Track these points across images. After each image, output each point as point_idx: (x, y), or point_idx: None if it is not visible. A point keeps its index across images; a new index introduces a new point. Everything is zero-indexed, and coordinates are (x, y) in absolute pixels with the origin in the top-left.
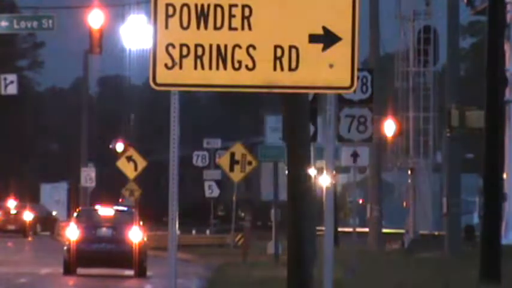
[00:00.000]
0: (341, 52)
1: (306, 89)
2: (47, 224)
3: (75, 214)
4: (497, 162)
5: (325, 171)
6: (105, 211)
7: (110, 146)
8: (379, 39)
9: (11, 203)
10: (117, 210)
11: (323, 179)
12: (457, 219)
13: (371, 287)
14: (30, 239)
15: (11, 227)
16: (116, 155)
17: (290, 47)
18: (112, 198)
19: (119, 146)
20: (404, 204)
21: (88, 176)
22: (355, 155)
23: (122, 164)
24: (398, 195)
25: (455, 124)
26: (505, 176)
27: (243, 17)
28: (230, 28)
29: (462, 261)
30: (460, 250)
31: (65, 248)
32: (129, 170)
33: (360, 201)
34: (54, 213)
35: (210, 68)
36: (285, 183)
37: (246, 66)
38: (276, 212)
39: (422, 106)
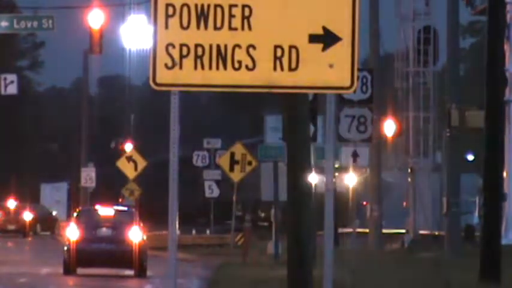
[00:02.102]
0: (341, 52)
1: (306, 89)
2: (47, 224)
3: (75, 214)
4: (497, 162)
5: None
6: (105, 211)
7: (111, 146)
8: (379, 39)
9: (11, 203)
10: (117, 210)
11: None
12: (457, 219)
13: (371, 287)
14: (30, 238)
15: (11, 227)
16: (119, 155)
17: (290, 47)
18: (112, 198)
19: (128, 146)
20: (405, 204)
21: (88, 176)
22: (355, 155)
23: (122, 164)
24: (398, 195)
25: (455, 124)
26: (504, 175)
27: (243, 17)
28: (230, 28)
29: (462, 261)
30: (460, 250)
31: (65, 248)
32: (129, 170)
33: (364, 203)
34: (54, 213)
35: (210, 68)
36: (284, 183)
37: (246, 66)
38: (276, 212)
39: (422, 106)
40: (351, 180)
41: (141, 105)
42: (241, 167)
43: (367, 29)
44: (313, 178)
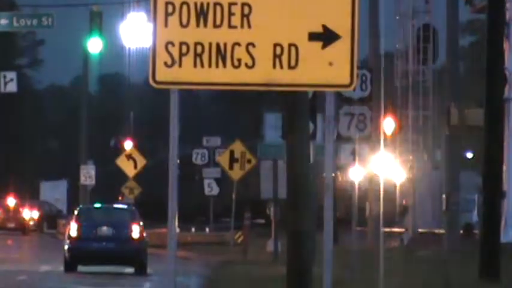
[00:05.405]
0: (340, 50)
1: (305, 87)
2: (55, 221)
3: (75, 212)
4: (496, 160)
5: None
6: (105, 209)
7: (110, 144)
8: (378, 37)
9: (11, 201)
10: (117, 208)
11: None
12: (456, 217)
13: (371, 286)
14: (30, 236)
15: (11, 224)
16: (117, 153)
17: (289, 45)
18: (112, 196)
19: (127, 144)
20: (404, 202)
21: (87, 173)
22: (354, 153)
23: (122, 162)
24: (398, 194)
25: (454, 122)
26: (504, 174)
27: (243, 15)
28: (229, 26)
29: (461, 259)
30: (459, 248)
31: (66, 245)
32: (128, 168)
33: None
34: (64, 211)
35: (210, 66)
36: (284, 181)
37: (246, 65)
38: (276, 210)
39: (421, 104)
40: (397, 177)
41: (141, 104)
42: (240, 165)
43: (366, 27)
44: (357, 174)
